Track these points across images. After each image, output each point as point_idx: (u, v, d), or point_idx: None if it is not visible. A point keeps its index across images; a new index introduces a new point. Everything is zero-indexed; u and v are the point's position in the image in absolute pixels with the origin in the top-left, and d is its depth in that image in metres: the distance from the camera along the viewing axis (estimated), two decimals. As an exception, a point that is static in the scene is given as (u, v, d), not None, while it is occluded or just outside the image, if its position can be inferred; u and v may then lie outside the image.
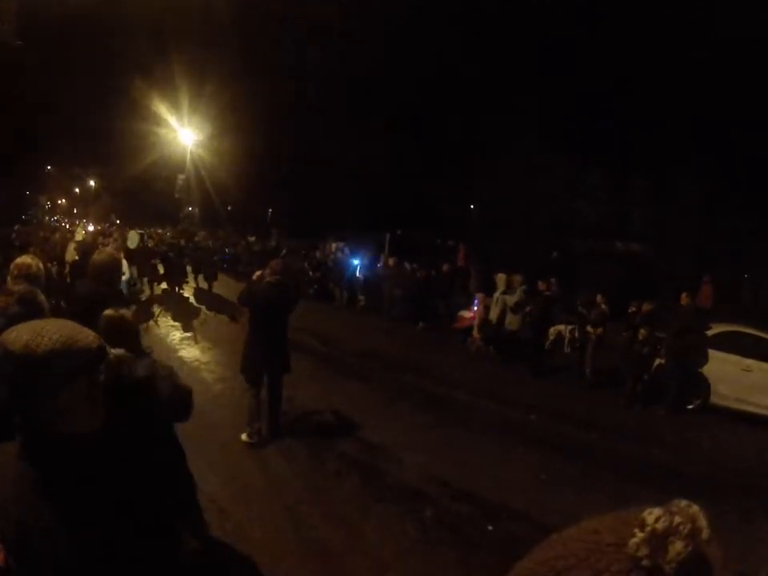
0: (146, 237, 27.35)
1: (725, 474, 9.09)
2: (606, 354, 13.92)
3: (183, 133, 37.92)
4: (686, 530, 0.73)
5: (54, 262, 16.74)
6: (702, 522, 0.75)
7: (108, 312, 3.66)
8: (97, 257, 5.45)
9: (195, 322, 16.66)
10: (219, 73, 37.79)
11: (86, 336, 1.70)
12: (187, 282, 23.90)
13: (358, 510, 6.56)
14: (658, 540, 0.72)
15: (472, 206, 37.68)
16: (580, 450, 9.40)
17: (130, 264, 20.82)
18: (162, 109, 36.62)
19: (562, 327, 15.02)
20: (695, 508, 0.77)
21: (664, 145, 28.10)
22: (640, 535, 0.74)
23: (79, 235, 24.68)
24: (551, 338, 15.01)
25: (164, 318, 16.71)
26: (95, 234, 24.98)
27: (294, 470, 7.45)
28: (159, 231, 36.45)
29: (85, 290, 5.24)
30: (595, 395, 13.06)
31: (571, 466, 8.62)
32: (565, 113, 30.35)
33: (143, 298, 19.58)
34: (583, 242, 29.20)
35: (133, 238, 23.15)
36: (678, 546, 0.71)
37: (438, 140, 35.10)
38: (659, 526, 0.74)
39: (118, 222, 44.95)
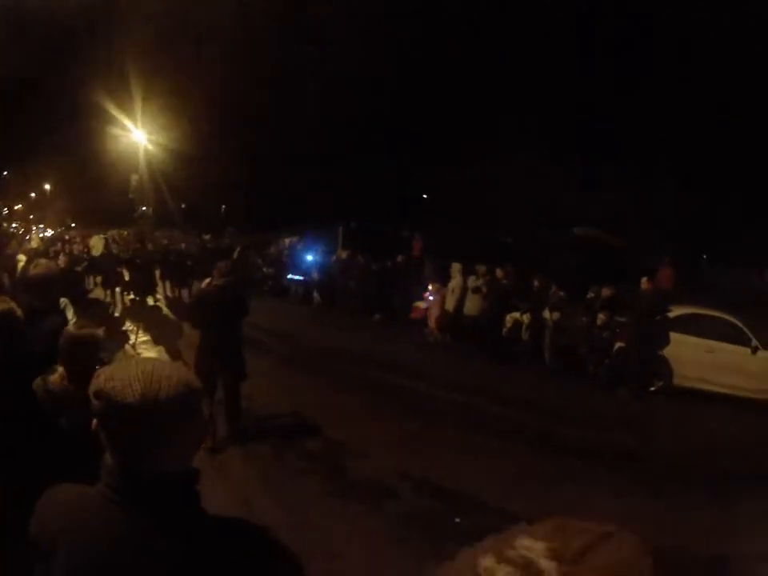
0: (110, 241, 24.95)
1: (692, 454, 9.05)
2: (565, 339, 13.79)
3: (136, 132, 37.25)
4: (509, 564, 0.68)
5: (5, 273, 15.81)
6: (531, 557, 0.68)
7: (70, 329, 3.53)
8: (33, 270, 5.36)
9: (180, 343, 13.67)
10: (171, 71, 37.32)
11: (192, 374, 1.65)
12: (156, 291, 21.77)
13: (324, 509, 6.45)
14: None
15: (425, 196, 37.59)
16: (543, 437, 9.35)
17: (95, 273, 20.83)
18: (115, 108, 35.91)
19: (518, 314, 14.76)
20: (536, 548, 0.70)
21: (617, 127, 28.11)
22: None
23: (35, 242, 24.02)
24: (508, 325, 14.73)
25: (142, 339, 14.30)
26: (51, 240, 24.20)
27: (257, 472, 7.35)
28: (124, 234, 34.73)
29: (24, 303, 4.89)
30: (556, 381, 12.96)
31: (535, 454, 8.59)
32: (520, 100, 30.27)
33: (113, 312, 18.30)
34: (540, 229, 29.05)
35: (97, 245, 22.31)
36: None
37: (392, 130, 34.91)
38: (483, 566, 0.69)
39: (73, 225, 44.15)
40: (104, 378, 1.54)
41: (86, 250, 23.46)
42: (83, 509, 1.59)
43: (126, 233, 34.70)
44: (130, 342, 13.83)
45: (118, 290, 19.94)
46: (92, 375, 1.68)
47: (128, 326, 15.76)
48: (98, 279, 20.90)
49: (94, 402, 1.54)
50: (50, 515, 1.64)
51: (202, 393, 1.67)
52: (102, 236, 25.61)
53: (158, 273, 22.03)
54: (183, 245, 26.74)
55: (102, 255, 20.98)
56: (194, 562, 1.51)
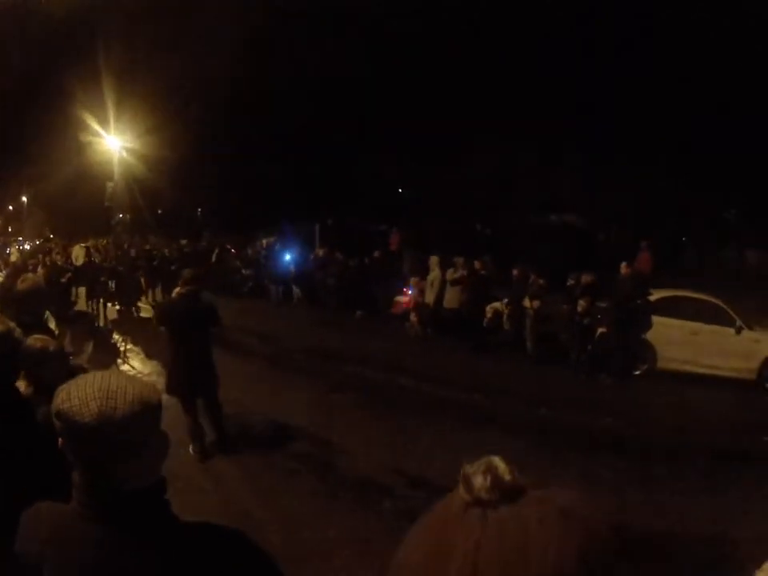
0: (92, 251, 23.61)
1: (678, 436, 9.07)
2: (546, 327, 13.85)
3: (110, 139, 36.92)
4: (481, 468, 0.91)
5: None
6: (496, 463, 0.93)
7: (31, 341, 3.62)
8: (20, 284, 5.31)
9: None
10: (143, 76, 37.03)
11: (150, 389, 1.62)
12: (142, 299, 21.02)
13: (315, 509, 6.42)
14: (466, 481, 0.90)
15: (401, 190, 37.57)
16: (530, 426, 9.39)
17: (77, 284, 19.70)
18: (88, 116, 35.57)
19: (498, 304, 14.64)
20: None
21: (593, 113, 28.13)
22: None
23: (14, 256, 23.71)
24: (489, 315, 14.60)
25: (132, 351, 13.46)
26: (29, 253, 23.74)
27: (247, 474, 7.25)
28: (103, 242, 34.02)
29: (11, 318, 4.85)
30: (540, 369, 12.96)
31: (523, 443, 8.48)
32: (492, 89, 30.23)
33: (98, 325, 17.66)
34: (517, 217, 29.05)
35: (78, 254, 21.41)
36: (479, 479, 0.90)
37: (366, 126, 34.84)
38: (463, 472, 0.92)
39: (51, 236, 43.73)
40: (62, 397, 1.52)
41: (68, 260, 22.43)
42: (61, 527, 1.59)
43: (104, 241, 34.33)
44: (121, 356, 13.09)
45: (101, 300, 19.10)
46: (53, 386, 1.71)
47: (116, 338, 15.26)
48: (81, 290, 19.96)
49: (55, 422, 1.52)
50: (32, 536, 1.63)
51: (159, 406, 1.62)
52: (82, 245, 24.46)
53: (143, 280, 21.51)
54: (166, 250, 25.86)
55: (84, 265, 20.15)
56: (166, 571, 1.51)
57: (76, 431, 1.48)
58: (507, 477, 0.90)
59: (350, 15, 33.86)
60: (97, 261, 21.63)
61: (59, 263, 20.94)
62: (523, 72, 30.20)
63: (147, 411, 1.54)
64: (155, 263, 22.22)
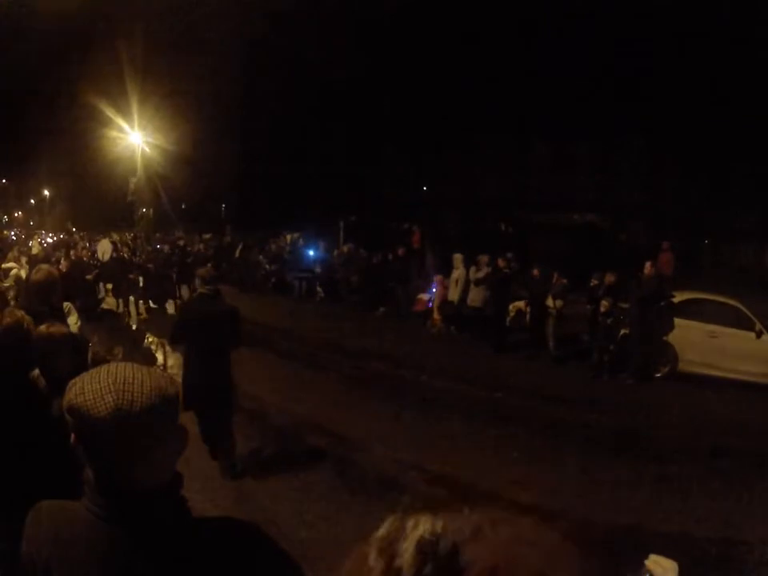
0: (119, 245, 22.91)
1: (698, 439, 9.00)
2: (567, 327, 13.93)
3: (133, 135, 37.11)
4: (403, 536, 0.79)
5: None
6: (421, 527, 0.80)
7: (41, 329, 3.58)
8: (34, 275, 5.40)
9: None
10: (168, 72, 37.20)
11: (168, 380, 1.52)
12: (176, 298, 19.38)
13: (334, 505, 6.42)
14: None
15: (424, 188, 37.59)
16: (550, 425, 9.34)
17: (104, 280, 18.77)
18: (112, 111, 35.77)
19: (521, 303, 14.76)
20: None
21: (610, 113, 28.08)
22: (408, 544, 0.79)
23: (35, 248, 23.61)
24: (511, 314, 14.74)
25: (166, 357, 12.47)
26: (53, 246, 23.44)
27: (266, 470, 7.25)
28: (131, 237, 32.77)
29: (24, 308, 4.94)
30: (560, 369, 13.02)
31: (542, 442, 8.58)
32: (505, 87, 30.27)
33: (129, 324, 16.77)
34: (540, 216, 29.06)
35: (105, 249, 20.99)
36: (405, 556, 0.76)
37: (389, 125, 34.89)
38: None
39: (74, 230, 43.92)
40: (75, 391, 1.44)
41: (94, 255, 22.27)
42: (70, 527, 1.52)
43: (131, 235, 34.45)
44: (156, 362, 11.99)
45: (132, 298, 17.98)
46: (66, 377, 1.65)
47: (149, 340, 14.55)
48: (108, 287, 19.05)
49: (68, 417, 1.45)
50: (40, 536, 1.57)
51: (178, 398, 1.54)
52: (109, 240, 23.74)
53: (174, 277, 20.19)
54: (201, 245, 25.34)
55: (111, 260, 19.45)
56: (185, 572, 1.47)
57: (90, 426, 1.40)
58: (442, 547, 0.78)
59: (367, 14, 33.88)
60: (126, 256, 21.17)
61: (85, 258, 20.53)
62: (542, 71, 30.18)
63: (165, 404, 1.46)
64: (189, 260, 21.01)
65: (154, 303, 18.99)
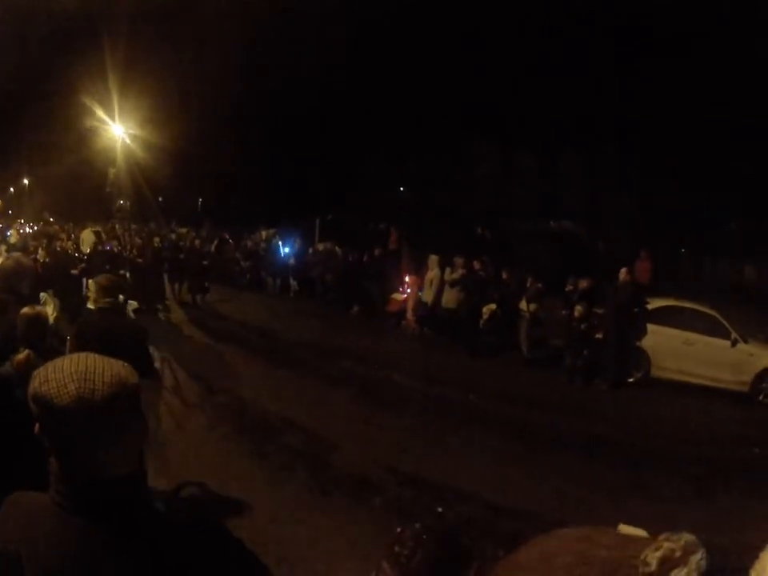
0: (103, 236, 20.88)
1: (670, 445, 9.12)
2: (542, 331, 14.01)
3: (114, 126, 36.88)
4: (693, 562, 0.84)
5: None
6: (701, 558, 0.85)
7: (25, 310, 3.70)
8: (3, 262, 5.40)
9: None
10: (148, 63, 37.02)
11: (129, 370, 1.57)
12: (165, 297, 18.19)
13: (308, 504, 6.42)
14: (669, 563, 0.84)
15: (402, 189, 37.66)
16: (523, 428, 9.41)
17: (89, 276, 14.81)
18: (92, 101, 35.51)
19: (494, 306, 14.65)
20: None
21: (593, 121, 28.22)
22: (655, 555, 0.86)
23: (13, 238, 23.13)
24: (485, 317, 14.61)
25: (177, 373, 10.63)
26: (32, 236, 22.68)
27: (239, 468, 7.21)
28: (127, 228, 30.37)
29: None
30: (534, 372, 13.01)
31: (515, 444, 8.65)
32: (488, 94, 30.38)
33: None
34: (517, 222, 29.15)
35: (86, 239, 19.58)
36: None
37: (366, 124, 34.93)
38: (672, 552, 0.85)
39: (51, 219, 43.47)
40: (39, 380, 1.47)
41: (78, 247, 19.57)
42: (38, 518, 1.52)
43: (117, 226, 33.75)
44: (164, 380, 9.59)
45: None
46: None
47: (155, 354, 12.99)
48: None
49: (32, 406, 1.47)
50: (11, 527, 1.56)
51: (138, 387, 1.56)
52: (91, 229, 22.12)
53: (166, 275, 19.19)
54: (198, 241, 22.73)
55: (97, 254, 17.43)
56: (149, 565, 1.47)
57: (54, 415, 1.43)
58: None
59: (353, 14, 33.91)
60: (116, 249, 18.87)
61: (69, 251, 18.27)
62: (527, 77, 30.29)
63: (127, 392, 1.50)
64: (182, 256, 20.01)
65: (144, 303, 16.08)
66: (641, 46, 27.78)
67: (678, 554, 0.84)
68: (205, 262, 19.68)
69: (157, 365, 11.55)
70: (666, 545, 0.86)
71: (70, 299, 12.47)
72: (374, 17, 33.66)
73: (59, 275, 13.93)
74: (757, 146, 23.63)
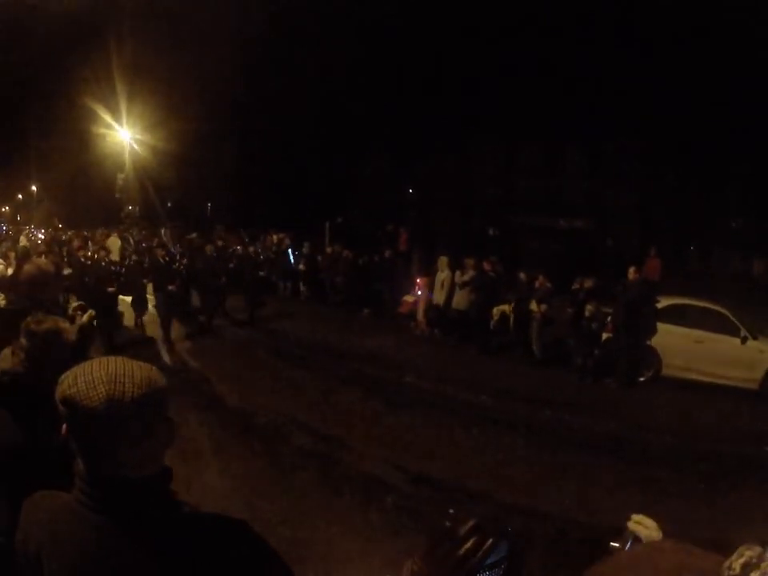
0: (132, 242, 19.63)
1: (681, 443, 9.11)
2: (552, 331, 13.90)
3: (122, 131, 36.98)
4: (763, 566, 1.09)
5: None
6: None
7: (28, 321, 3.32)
8: (25, 267, 5.16)
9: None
10: (157, 70, 37.14)
11: (157, 373, 1.59)
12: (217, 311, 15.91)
13: (318, 504, 6.43)
14: (748, 567, 1.08)
15: (411, 191, 37.65)
16: (534, 427, 9.42)
17: (124, 292, 14.30)
18: (100, 107, 35.62)
19: (505, 306, 14.70)
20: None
21: (600, 117, 28.15)
22: (738, 562, 1.14)
23: (23, 242, 23.09)
24: (495, 317, 14.68)
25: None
26: (45, 242, 22.22)
27: (252, 468, 7.25)
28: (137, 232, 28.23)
29: (7, 301, 4.95)
30: (545, 372, 12.97)
31: (526, 444, 8.62)
32: (495, 91, 30.34)
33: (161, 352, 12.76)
34: (525, 220, 29.12)
35: (114, 247, 18.11)
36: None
37: (371, 125, 34.91)
38: (751, 559, 1.13)
39: (60, 226, 43.51)
40: (68, 383, 1.49)
41: (104, 254, 14.21)
42: (60, 517, 1.55)
43: (142, 231, 33.36)
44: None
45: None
46: (53, 372, 1.66)
47: None
48: (127, 300, 14.72)
49: (61, 408, 1.49)
50: (32, 526, 1.61)
51: (167, 390, 1.59)
52: (116, 236, 20.31)
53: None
54: (251, 249, 20.62)
55: (130, 265, 15.14)
56: (171, 564, 1.49)
57: (83, 416, 1.45)
58: None
59: (359, 15, 33.89)
60: (162, 260, 14.52)
61: (103, 262, 13.62)
62: (532, 74, 30.23)
63: (155, 395, 1.52)
64: (231, 266, 17.65)
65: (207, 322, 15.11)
66: (647, 39, 27.75)
67: (754, 560, 1.12)
68: (261, 273, 18.19)
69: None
70: (747, 553, 1.15)
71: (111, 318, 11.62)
72: (377, 16, 33.69)
73: (92, 290, 11.99)
74: (764, 141, 23.59)
